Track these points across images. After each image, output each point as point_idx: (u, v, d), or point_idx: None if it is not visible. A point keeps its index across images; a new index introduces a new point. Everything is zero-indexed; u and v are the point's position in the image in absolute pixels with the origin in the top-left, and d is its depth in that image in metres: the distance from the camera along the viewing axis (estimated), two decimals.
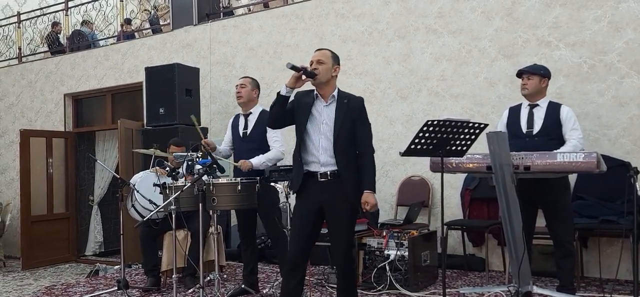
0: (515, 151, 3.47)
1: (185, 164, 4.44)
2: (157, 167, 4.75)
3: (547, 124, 3.84)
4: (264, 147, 4.22)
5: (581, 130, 3.88)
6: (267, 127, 3.91)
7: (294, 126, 3.36)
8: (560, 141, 3.79)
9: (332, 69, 3.24)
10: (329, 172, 3.18)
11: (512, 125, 3.94)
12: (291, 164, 4.15)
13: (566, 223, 3.80)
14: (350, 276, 3.32)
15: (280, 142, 4.22)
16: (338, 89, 3.30)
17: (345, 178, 3.16)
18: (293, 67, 3.14)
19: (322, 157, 3.19)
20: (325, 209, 3.21)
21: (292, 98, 3.30)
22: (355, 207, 3.20)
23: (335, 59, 3.29)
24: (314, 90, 3.28)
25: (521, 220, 3.47)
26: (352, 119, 3.21)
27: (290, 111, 3.29)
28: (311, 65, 3.22)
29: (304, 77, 3.17)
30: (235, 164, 4.22)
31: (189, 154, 4.19)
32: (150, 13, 10.03)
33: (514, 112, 4.04)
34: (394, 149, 5.66)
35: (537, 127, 3.86)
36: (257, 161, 4.13)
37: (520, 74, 4.00)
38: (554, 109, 3.89)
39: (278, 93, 3.22)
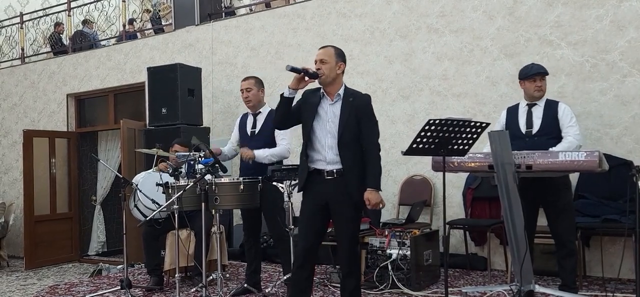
0: (515, 151, 3.47)
1: (187, 165, 4.46)
2: (161, 163, 4.75)
3: (546, 123, 3.84)
4: (271, 146, 4.23)
5: (580, 127, 3.87)
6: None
7: (300, 127, 3.37)
8: (560, 140, 3.79)
9: (336, 67, 3.24)
10: (335, 170, 3.19)
11: (511, 126, 3.93)
12: (294, 163, 4.18)
13: (567, 222, 3.79)
14: (355, 275, 3.32)
15: (287, 141, 4.23)
16: (345, 86, 3.29)
17: (349, 176, 3.17)
18: (292, 69, 3.15)
19: (328, 155, 3.20)
20: (331, 207, 3.22)
21: (298, 98, 3.31)
22: (358, 206, 3.20)
23: (340, 55, 3.29)
24: (320, 88, 3.28)
25: (523, 219, 3.47)
26: (358, 117, 3.21)
27: (296, 111, 3.31)
28: (315, 64, 3.23)
29: (306, 78, 3.17)
30: (239, 151, 4.22)
31: (190, 154, 4.19)
32: (151, 11, 10.04)
33: (512, 112, 4.02)
34: (396, 148, 5.66)
35: (536, 126, 3.86)
36: (261, 153, 4.13)
37: (533, 75, 3.90)
38: (551, 107, 3.89)
39: (281, 94, 3.23)
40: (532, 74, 3.93)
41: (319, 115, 3.25)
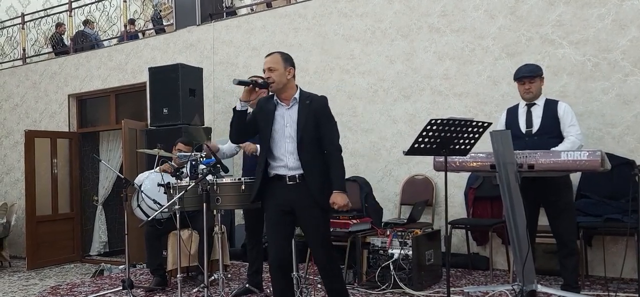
0: (517, 150, 3.46)
1: (188, 165, 4.46)
2: (164, 165, 4.75)
3: (546, 122, 3.83)
4: None
5: (581, 126, 3.86)
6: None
7: None
8: (560, 139, 3.79)
9: (285, 73, 3.17)
10: (297, 176, 3.15)
11: (511, 126, 3.91)
12: None
13: (569, 221, 3.79)
14: (336, 275, 3.25)
15: None
16: (300, 90, 3.25)
17: (311, 180, 3.12)
18: (240, 82, 3.15)
19: (289, 161, 3.15)
20: (297, 213, 3.18)
21: (252, 109, 3.32)
22: (324, 208, 3.14)
23: (287, 60, 3.22)
24: (274, 95, 3.25)
25: (525, 218, 3.46)
26: (316, 119, 3.16)
27: (252, 121, 3.28)
28: (264, 73, 3.20)
29: (257, 89, 3.18)
30: (241, 146, 4.21)
31: (192, 154, 4.20)
32: (152, 10, 10.05)
33: (512, 113, 4.02)
34: (398, 148, 5.66)
35: (536, 126, 3.86)
36: None
37: (520, 77, 3.93)
38: (551, 107, 3.88)
39: (234, 108, 3.21)
40: (519, 77, 3.93)
41: (276, 121, 3.19)
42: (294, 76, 3.23)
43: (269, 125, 3.19)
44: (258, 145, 4.08)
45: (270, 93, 3.32)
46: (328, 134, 3.19)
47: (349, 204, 3.12)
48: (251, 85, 3.16)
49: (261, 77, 3.25)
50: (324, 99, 3.25)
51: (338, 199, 3.08)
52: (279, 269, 3.21)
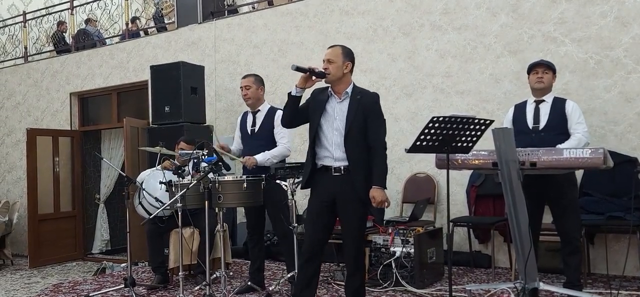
0: (521, 146, 3.46)
1: (191, 162, 4.46)
2: (165, 162, 4.75)
3: (553, 119, 3.83)
4: (272, 144, 4.24)
5: (587, 124, 3.86)
6: (281, 126, 3.91)
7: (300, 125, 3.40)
8: (567, 136, 3.79)
9: (343, 66, 3.26)
10: (342, 167, 3.21)
11: (518, 121, 3.93)
12: (297, 161, 4.18)
13: (573, 219, 3.78)
14: (360, 272, 3.33)
15: (287, 139, 4.23)
16: (353, 84, 3.31)
17: (355, 174, 3.19)
18: (298, 69, 3.17)
19: (335, 153, 3.22)
20: (338, 204, 3.24)
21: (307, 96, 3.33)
22: (365, 202, 3.22)
23: (348, 54, 3.31)
24: (329, 87, 3.31)
25: (528, 216, 3.46)
26: (364, 115, 3.23)
27: (304, 109, 3.34)
28: (323, 63, 3.26)
29: (313, 77, 3.20)
30: (241, 160, 4.24)
31: (194, 151, 4.20)
32: (154, 8, 10.04)
33: (520, 108, 4.03)
34: (400, 146, 5.65)
35: (543, 122, 3.86)
36: (262, 157, 4.15)
37: (534, 66, 3.94)
38: (559, 104, 3.88)
39: (289, 93, 3.26)
40: (534, 65, 3.94)
41: (326, 113, 3.27)
42: (351, 71, 3.31)
43: (319, 115, 3.26)
44: (255, 159, 4.10)
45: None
46: (375, 130, 3.25)
47: (388, 200, 3.21)
48: (308, 73, 3.19)
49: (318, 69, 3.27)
50: (375, 96, 3.33)
51: (377, 194, 3.16)
52: (310, 260, 3.26)
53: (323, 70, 3.23)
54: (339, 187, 3.21)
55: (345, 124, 3.21)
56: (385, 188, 3.20)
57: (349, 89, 3.28)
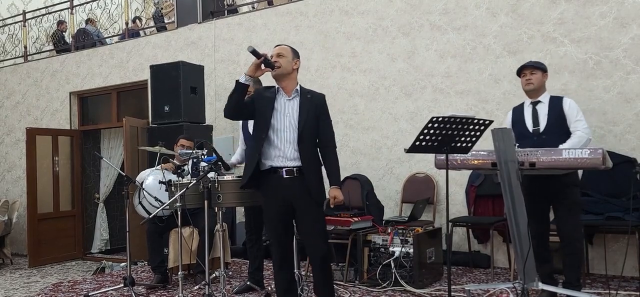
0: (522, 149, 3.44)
1: (190, 162, 4.46)
2: (163, 164, 4.75)
3: (552, 120, 3.81)
4: None
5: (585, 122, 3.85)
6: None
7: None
8: (568, 135, 3.74)
9: (292, 62, 3.25)
10: (295, 169, 3.16)
11: (518, 126, 3.88)
12: None
13: (574, 220, 3.76)
14: (328, 273, 3.27)
15: None
16: (300, 85, 3.30)
17: (309, 176, 3.15)
18: (254, 52, 3.12)
19: (287, 151, 3.17)
20: (296, 208, 3.20)
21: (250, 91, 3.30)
22: (320, 203, 3.20)
23: (295, 53, 3.30)
24: (275, 85, 3.28)
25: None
26: (316, 114, 3.22)
27: (250, 104, 3.25)
28: (272, 58, 3.21)
29: (263, 66, 3.15)
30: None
31: (193, 151, 4.20)
32: (154, 7, 10.05)
33: (518, 112, 3.99)
34: (399, 146, 5.67)
35: (542, 124, 3.83)
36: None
37: (521, 69, 3.94)
38: (556, 103, 3.85)
39: (237, 81, 3.16)
40: (521, 69, 3.93)
41: (276, 110, 3.21)
42: (297, 70, 3.30)
43: (269, 112, 3.20)
44: None
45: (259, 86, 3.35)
46: (327, 130, 3.27)
47: (342, 199, 3.23)
48: (261, 60, 3.13)
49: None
50: (323, 96, 3.34)
51: (338, 193, 3.18)
52: (284, 267, 3.26)
53: (274, 62, 3.18)
54: (294, 191, 3.15)
55: (299, 121, 3.17)
56: (341, 187, 3.24)
57: (298, 88, 3.27)
